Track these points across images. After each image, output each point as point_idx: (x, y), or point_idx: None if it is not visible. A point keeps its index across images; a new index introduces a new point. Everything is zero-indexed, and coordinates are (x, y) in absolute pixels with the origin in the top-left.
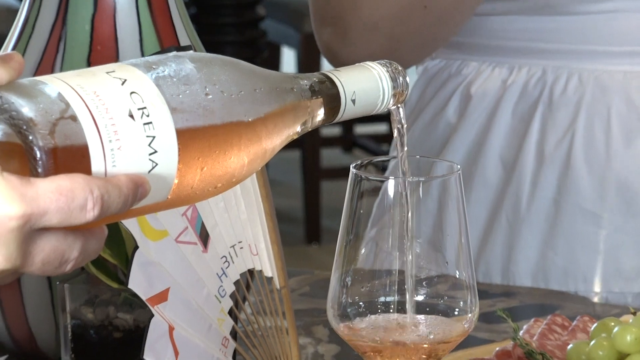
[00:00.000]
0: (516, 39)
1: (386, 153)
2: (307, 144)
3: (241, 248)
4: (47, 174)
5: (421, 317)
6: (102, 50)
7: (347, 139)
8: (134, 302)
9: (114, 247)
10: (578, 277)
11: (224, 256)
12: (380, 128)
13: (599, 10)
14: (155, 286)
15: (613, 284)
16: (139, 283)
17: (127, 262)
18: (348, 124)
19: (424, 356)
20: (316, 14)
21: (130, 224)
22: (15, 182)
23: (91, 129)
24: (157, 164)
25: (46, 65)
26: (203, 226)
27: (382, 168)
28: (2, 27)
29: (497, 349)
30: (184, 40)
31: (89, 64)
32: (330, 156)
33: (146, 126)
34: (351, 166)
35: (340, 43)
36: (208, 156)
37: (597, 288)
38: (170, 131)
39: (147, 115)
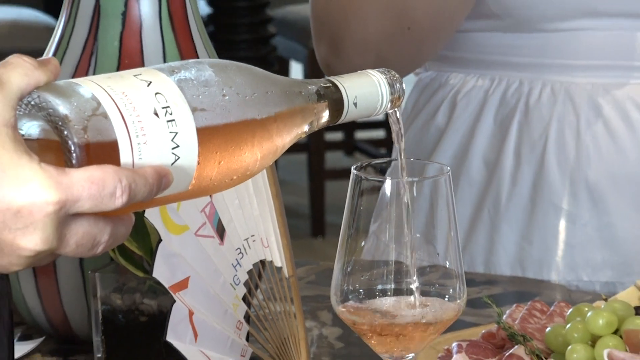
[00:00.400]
0: (496, 54)
1: (384, 156)
2: (312, 148)
3: (254, 241)
4: (80, 165)
5: (415, 299)
6: (129, 64)
7: (349, 143)
8: (157, 289)
9: (140, 240)
10: (552, 267)
11: (238, 248)
12: (379, 134)
13: (567, 28)
14: (177, 275)
15: (582, 273)
16: (162, 272)
17: (152, 254)
18: (349, 130)
19: (417, 335)
20: (315, 32)
21: (154, 220)
22: (52, 172)
23: (120, 125)
24: (179, 157)
25: (79, 76)
26: (220, 221)
27: (379, 170)
28: (41, 43)
29: (483, 331)
30: (202, 55)
31: None
32: (334, 159)
33: (169, 123)
34: (352, 168)
35: (335, 58)
36: (225, 151)
37: (568, 277)
38: (191, 128)
39: (170, 114)
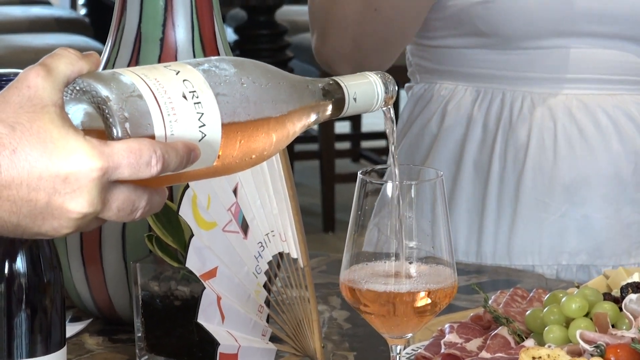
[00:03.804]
0: (482, 68)
1: (386, 163)
2: (324, 155)
3: (273, 236)
4: (119, 138)
5: (412, 267)
6: None
7: (355, 152)
8: (190, 277)
9: (175, 235)
10: (534, 253)
11: (260, 242)
12: (381, 143)
13: (544, 46)
14: (207, 265)
15: (561, 258)
16: (194, 263)
17: (185, 247)
18: (356, 140)
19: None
20: (310, 26)
21: (187, 217)
22: (95, 143)
23: (154, 104)
24: (205, 135)
25: None
26: (244, 219)
27: (382, 174)
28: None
29: (472, 314)
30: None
31: None
32: (342, 165)
33: (196, 105)
34: (358, 173)
35: (322, 45)
36: (244, 131)
37: (549, 261)
38: (215, 109)
39: (197, 97)
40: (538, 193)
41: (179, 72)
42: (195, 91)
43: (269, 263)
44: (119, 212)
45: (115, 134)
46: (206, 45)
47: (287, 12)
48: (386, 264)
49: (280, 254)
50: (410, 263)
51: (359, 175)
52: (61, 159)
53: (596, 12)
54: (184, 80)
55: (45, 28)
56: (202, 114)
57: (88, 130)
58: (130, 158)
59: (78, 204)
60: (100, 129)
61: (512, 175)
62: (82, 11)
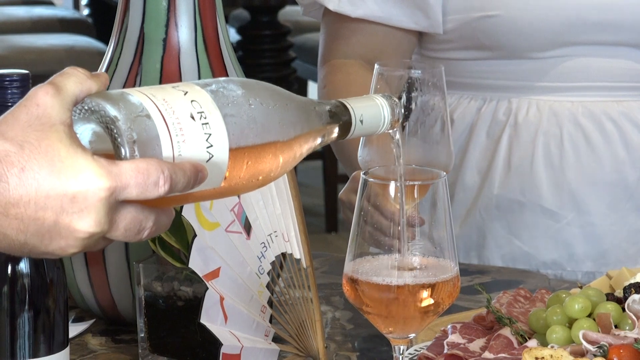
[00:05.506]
0: (487, 78)
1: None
2: (327, 156)
3: (276, 236)
4: (128, 158)
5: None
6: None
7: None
8: (193, 278)
9: (178, 235)
10: (539, 260)
11: (263, 242)
12: None
13: (549, 56)
14: (210, 266)
15: (566, 264)
16: (197, 263)
17: (188, 247)
18: None
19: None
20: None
21: (190, 217)
22: (103, 162)
23: (162, 125)
24: (212, 156)
25: None
26: (247, 219)
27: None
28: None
29: (475, 314)
30: (232, 76)
31: None
32: None
33: (204, 125)
34: (361, 173)
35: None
36: (251, 152)
37: (553, 268)
38: (222, 130)
39: (205, 118)
40: (544, 200)
41: (187, 92)
42: (203, 112)
43: (272, 263)
44: (126, 232)
45: (123, 153)
46: (209, 46)
47: (290, 13)
48: (389, 261)
49: (283, 254)
50: (413, 261)
51: (362, 176)
52: (69, 177)
53: (600, 22)
54: (192, 101)
55: (48, 28)
56: (210, 134)
57: (97, 149)
58: (138, 178)
59: (85, 223)
60: (108, 149)
61: (516, 182)
62: (85, 11)
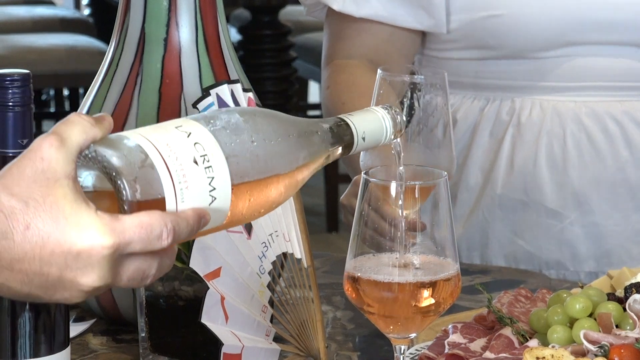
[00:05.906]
0: (489, 78)
1: None
2: None
3: (277, 236)
4: (132, 210)
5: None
6: (170, 83)
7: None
8: (194, 277)
9: None
10: (542, 260)
11: (264, 242)
12: None
13: (552, 56)
14: (211, 265)
15: (569, 264)
16: (198, 263)
17: (189, 247)
18: None
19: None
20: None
21: None
22: (107, 219)
23: (165, 174)
24: (215, 198)
25: (127, 94)
26: None
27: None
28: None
29: (475, 314)
30: (233, 76)
31: (160, 94)
32: None
33: (207, 169)
34: (362, 173)
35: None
36: (254, 189)
37: (556, 267)
38: (225, 172)
39: (208, 161)
40: (547, 199)
41: (190, 134)
42: (206, 154)
43: (273, 263)
44: (129, 282)
45: (127, 206)
46: (210, 46)
47: (291, 12)
48: (390, 259)
49: (284, 254)
50: (414, 259)
51: (363, 176)
52: (73, 235)
53: (604, 22)
54: (195, 144)
55: (49, 28)
56: (213, 177)
57: (99, 199)
58: (142, 233)
59: (89, 278)
60: (111, 191)
61: (518, 182)
62: (86, 11)
